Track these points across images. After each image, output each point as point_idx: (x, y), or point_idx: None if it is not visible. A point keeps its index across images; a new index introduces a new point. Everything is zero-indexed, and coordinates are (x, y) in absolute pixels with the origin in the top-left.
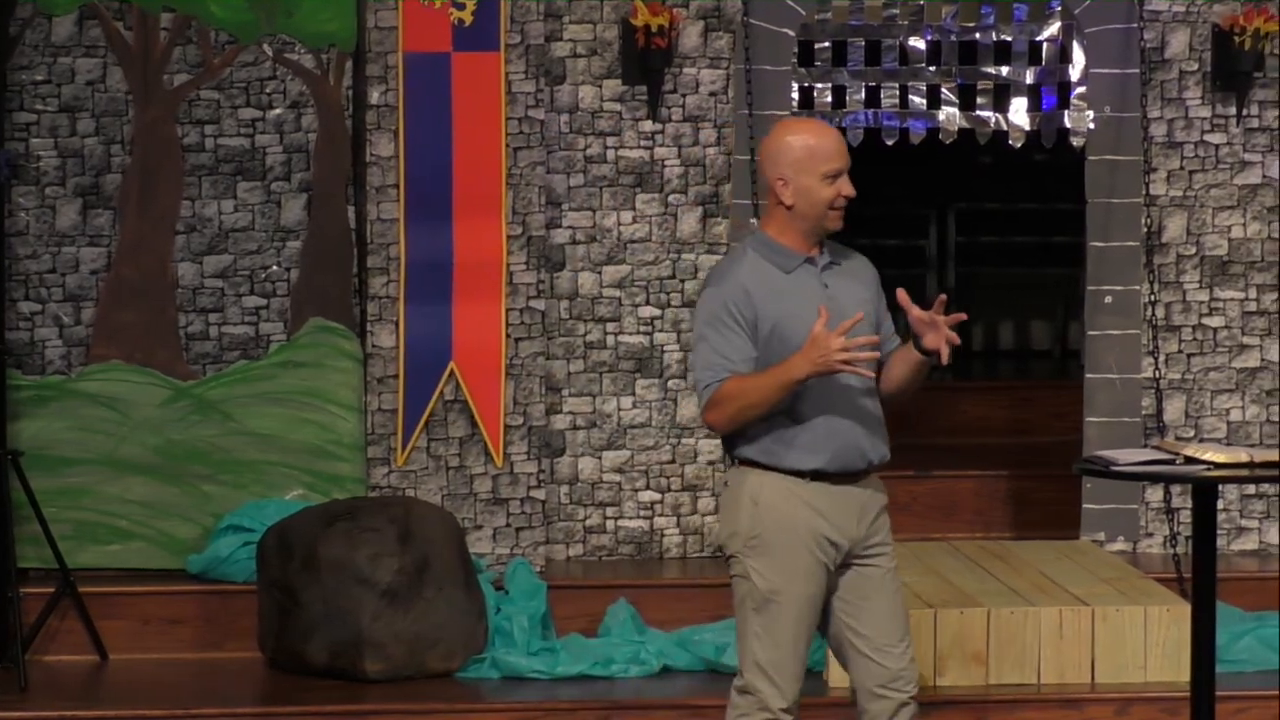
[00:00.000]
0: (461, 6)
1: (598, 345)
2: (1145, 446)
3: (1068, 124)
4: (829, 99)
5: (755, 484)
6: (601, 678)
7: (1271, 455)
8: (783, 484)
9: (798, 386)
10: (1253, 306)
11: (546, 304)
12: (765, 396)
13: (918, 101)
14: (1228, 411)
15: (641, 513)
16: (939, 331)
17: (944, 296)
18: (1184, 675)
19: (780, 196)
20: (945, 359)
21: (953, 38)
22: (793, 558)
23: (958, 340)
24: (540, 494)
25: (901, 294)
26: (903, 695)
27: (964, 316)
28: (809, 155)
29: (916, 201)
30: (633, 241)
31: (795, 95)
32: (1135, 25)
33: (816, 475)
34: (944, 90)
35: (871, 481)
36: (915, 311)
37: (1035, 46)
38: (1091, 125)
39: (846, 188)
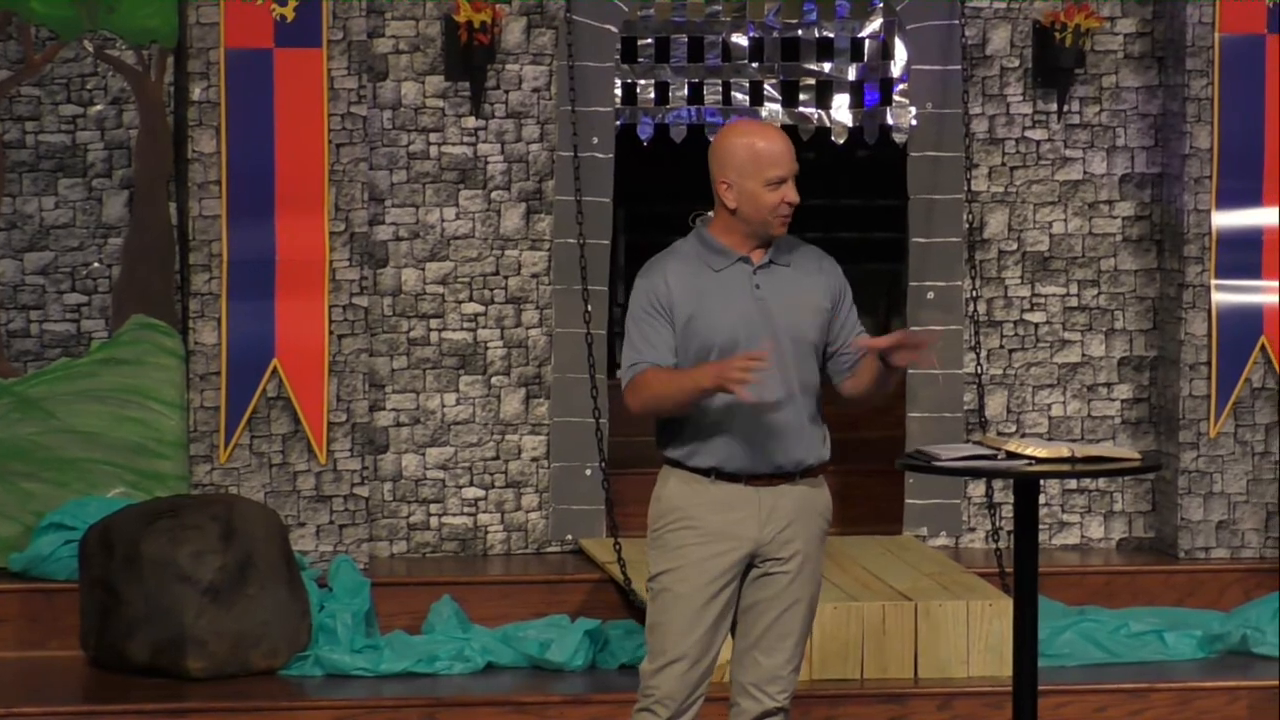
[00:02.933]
0: (283, 3)
1: (421, 342)
2: (967, 442)
3: (890, 120)
4: (652, 95)
5: (664, 480)
6: (426, 675)
7: (1092, 450)
8: (686, 482)
9: (701, 396)
10: (1074, 302)
11: (369, 300)
12: (672, 395)
13: (741, 98)
14: (1049, 407)
15: (465, 509)
16: (908, 352)
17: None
18: (1006, 670)
19: (723, 200)
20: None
21: (775, 34)
22: (685, 553)
23: (919, 356)
24: (364, 491)
25: (861, 340)
26: (773, 702)
27: (924, 341)
28: (753, 160)
29: None
30: (456, 238)
31: (618, 92)
32: (957, 22)
33: (719, 475)
34: (767, 87)
35: (793, 489)
36: (878, 345)
37: (858, 43)
38: (914, 121)
39: (791, 194)
